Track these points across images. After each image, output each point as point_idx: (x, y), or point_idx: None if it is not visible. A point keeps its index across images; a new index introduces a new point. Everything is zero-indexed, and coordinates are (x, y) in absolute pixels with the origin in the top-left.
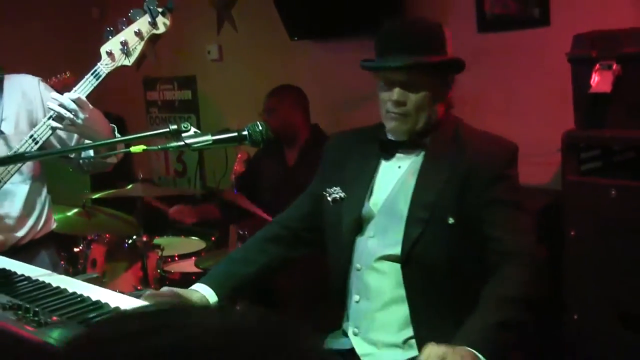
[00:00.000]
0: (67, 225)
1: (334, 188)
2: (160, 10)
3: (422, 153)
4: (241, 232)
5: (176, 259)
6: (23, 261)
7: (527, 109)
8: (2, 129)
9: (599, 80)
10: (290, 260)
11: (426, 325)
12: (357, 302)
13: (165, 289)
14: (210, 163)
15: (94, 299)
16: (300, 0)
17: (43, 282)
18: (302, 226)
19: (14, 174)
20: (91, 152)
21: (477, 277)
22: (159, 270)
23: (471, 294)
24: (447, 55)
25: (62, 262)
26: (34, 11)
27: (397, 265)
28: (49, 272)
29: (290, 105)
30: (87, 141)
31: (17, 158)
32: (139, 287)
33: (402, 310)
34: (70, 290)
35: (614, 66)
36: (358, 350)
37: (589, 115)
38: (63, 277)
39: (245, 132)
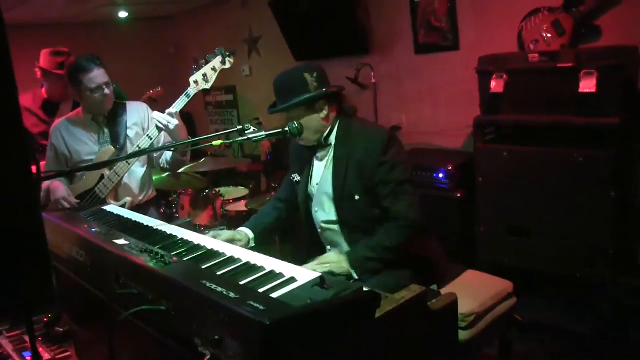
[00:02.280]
0: (163, 184)
1: (294, 174)
2: (227, 53)
3: (331, 150)
4: (271, 184)
5: (231, 201)
6: (142, 214)
7: (449, 104)
8: (128, 133)
9: (495, 85)
10: (289, 213)
11: None
12: (329, 250)
13: (223, 231)
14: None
15: (191, 240)
16: (302, 33)
17: (161, 230)
18: (289, 196)
19: (135, 162)
20: (169, 154)
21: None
22: (222, 210)
23: None
24: (305, 96)
25: (162, 209)
26: (129, 48)
27: (337, 225)
28: (162, 222)
29: None
30: (166, 152)
31: (137, 154)
32: (213, 222)
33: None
34: (179, 236)
35: (504, 76)
36: None
37: (489, 107)
38: (170, 225)
39: (287, 129)
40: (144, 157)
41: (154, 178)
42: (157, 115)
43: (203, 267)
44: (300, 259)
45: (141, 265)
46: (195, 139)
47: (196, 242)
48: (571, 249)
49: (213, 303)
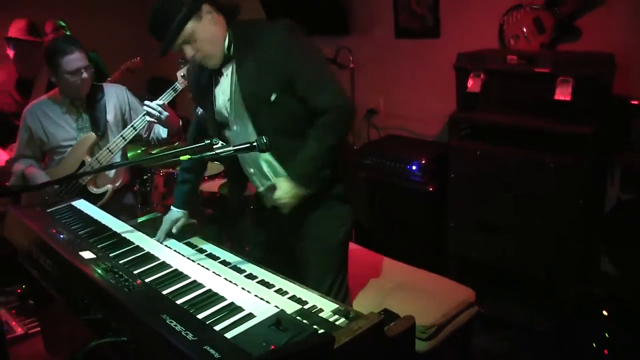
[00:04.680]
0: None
1: (198, 108)
2: None
3: (232, 63)
4: None
5: (206, 178)
6: (118, 198)
7: (428, 91)
8: (108, 118)
9: (472, 84)
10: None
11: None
12: (253, 173)
13: (164, 223)
14: None
15: (157, 256)
16: (282, 9)
17: (128, 240)
18: (198, 137)
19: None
20: (163, 134)
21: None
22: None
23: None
24: (182, 12)
25: (136, 187)
26: (107, 9)
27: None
28: (131, 228)
29: None
30: (161, 129)
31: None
32: None
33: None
34: (145, 250)
35: (482, 75)
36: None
37: (465, 104)
38: (141, 234)
39: (255, 143)
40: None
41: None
42: (148, 104)
43: (165, 292)
44: None
45: (106, 290)
46: (162, 153)
47: (161, 259)
48: (538, 250)
49: (171, 345)
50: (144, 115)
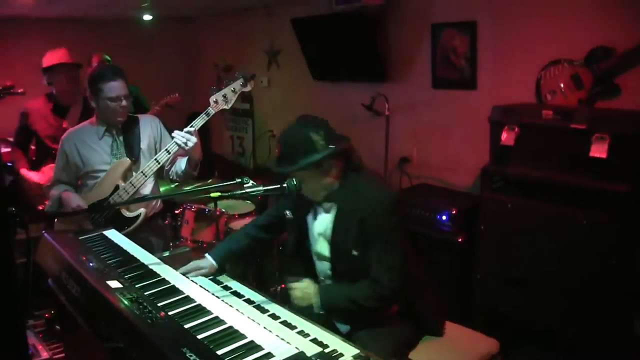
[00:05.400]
0: (170, 192)
1: (288, 211)
2: (248, 77)
3: (336, 207)
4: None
5: (237, 216)
6: (150, 226)
7: (462, 142)
8: (142, 146)
9: (506, 137)
10: (262, 243)
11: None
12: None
13: (191, 264)
14: (259, 149)
15: (182, 290)
16: (321, 54)
17: (155, 273)
18: (270, 226)
19: (151, 175)
20: (183, 166)
21: None
22: (226, 227)
23: None
24: (311, 159)
25: (167, 221)
26: (149, 47)
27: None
28: (159, 261)
29: None
30: (182, 162)
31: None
32: (216, 239)
33: None
34: (171, 283)
35: (516, 129)
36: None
37: (498, 157)
38: (168, 268)
39: (285, 185)
40: (153, 175)
41: (163, 189)
42: (177, 133)
43: (187, 326)
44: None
45: (129, 320)
46: (194, 189)
47: (186, 293)
48: (567, 308)
49: None
50: (171, 144)
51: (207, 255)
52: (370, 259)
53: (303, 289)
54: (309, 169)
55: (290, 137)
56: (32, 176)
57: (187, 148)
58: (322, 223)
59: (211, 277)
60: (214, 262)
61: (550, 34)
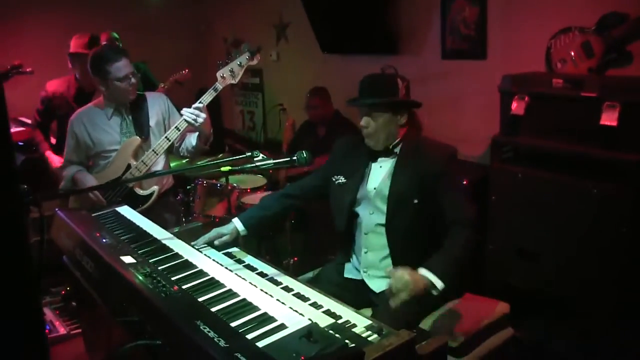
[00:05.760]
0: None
1: (338, 176)
2: (254, 50)
3: (395, 159)
4: (289, 175)
5: (249, 191)
6: (162, 203)
7: (472, 113)
8: (151, 124)
9: (516, 107)
10: (294, 210)
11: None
12: (365, 253)
13: (212, 232)
14: (270, 123)
15: (195, 264)
16: (330, 26)
17: (168, 247)
18: (309, 193)
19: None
20: (193, 142)
21: (430, 236)
22: (238, 202)
23: (426, 245)
24: (396, 98)
25: (179, 196)
26: (158, 25)
27: (384, 229)
28: (171, 236)
29: (325, 102)
30: (192, 137)
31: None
32: (228, 213)
33: (389, 259)
34: (184, 257)
35: (526, 98)
36: (368, 283)
37: (508, 127)
38: (180, 242)
39: (295, 157)
40: (165, 153)
41: (173, 164)
42: (186, 110)
43: (201, 299)
44: (311, 250)
45: (143, 294)
46: (205, 163)
47: (199, 267)
48: (577, 279)
49: (203, 351)
50: (181, 121)
51: (234, 220)
52: (443, 203)
53: (401, 279)
54: (388, 110)
55: (377, 76)
56: (55, 161)
57: (196, 125)
58: (377, 177)
59: (225, 251)
60: (241, 226)
61: (561, 1)
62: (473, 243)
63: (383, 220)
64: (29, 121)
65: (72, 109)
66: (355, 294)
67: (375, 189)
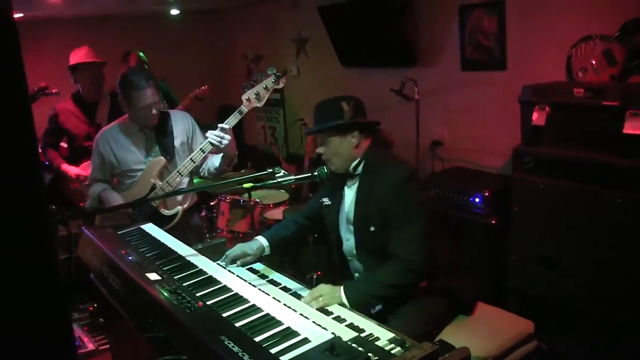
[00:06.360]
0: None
1: (325, 198)
2: (280, 74)
3: (357, 182)
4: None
5: (271, 206)
6: (186, 219)
7: (493, 123)
8: (175, 144)
9: (537, 117)
10: (308, 233)
11: None
12: (357, 276)
13: (236, 249)
14: (291, 138)
15: (219, 280)
16: (349, 40)
17: (192, 264)
18: (314, 215)
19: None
20: (216, 163)
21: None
22: (261, 217)
23: None
24: (339, 121)
25: (203, 213)
26: (178, 42)
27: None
28: (196, 252)
29: None
30: (215, 158)
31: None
32: (251, 229)
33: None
34: (209, 273)
35: (547, 108)
36: None
37: (529, 137)
38: (204, 259)
39: (316, 173)
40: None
41: (196, 180)
42: (211, 133)
43: (225, 314)
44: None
45: (169, 310)
46: (227, 181)
47: (223, 283)
48: (602, 289)
49: None
50: (206, 143)
51: (259, 238)
52: (391, 234)
53: (326, 294)
54: (335, 133)
55: (323, 103)
56: (72, 170)
57: (221, 147)
58: (347, 201)
59: (248, 267)
60: (265, 242)
61: (581, 10)
62: (406, 284)
63: (352, 242)
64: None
65: (82, 123)
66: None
67: (347, 212)
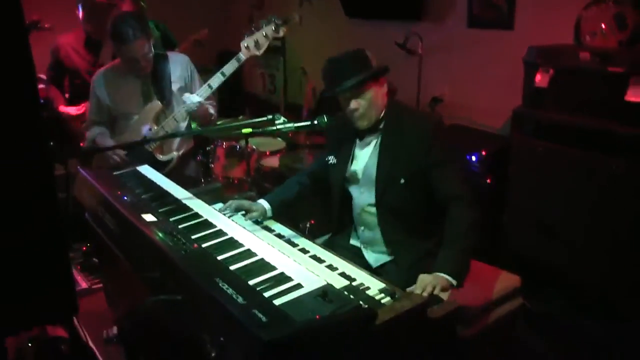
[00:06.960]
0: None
1: (330, 156)
2: (281, 22)
3: (379, 136)
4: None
5: (268, 153)
6: (182, 164)
7: (495, 83)
8: (173, 88)
9: (540, 79)
10: (312, 191)
11: (394, 243)
12: (362, 230)
13: (243, 201)
14: (291, 86)
15: (215, 223)
16: None
17: (188, 207)
18: (317, 175)
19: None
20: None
21: (423, 213)
22: (257, 164)
23: (417, 222)
24: (372, 69)
25: (199, 158)
26: None
27: (374, 208)
28: (192, 195)
29: None
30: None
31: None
32: (247, 175)
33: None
34: (204, 217)
35: (551, 71)
36: (366, 257)
37: (531, 100)
38: (201, 202)
39: (316, 122)
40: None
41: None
42: (187, 97)
43: (219, 257)
44: (328, 214)
45: (164, 251)
46: (226, 125)
47: (218, 227)
48: (594, 256)
49: (222, 306)
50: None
51: (261, 201)
52: (437, 180)
53: (426, 283)
54: (374, 83)
55: (344, 56)
56: (71, 110)
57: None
58: (364, 156)
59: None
60: (267, 205)
61: None
62: (478, 223)
63: (373, 200)
64: (44, 77)
65: (82, 60)
66: (360, 262)
67: (363, 168)
